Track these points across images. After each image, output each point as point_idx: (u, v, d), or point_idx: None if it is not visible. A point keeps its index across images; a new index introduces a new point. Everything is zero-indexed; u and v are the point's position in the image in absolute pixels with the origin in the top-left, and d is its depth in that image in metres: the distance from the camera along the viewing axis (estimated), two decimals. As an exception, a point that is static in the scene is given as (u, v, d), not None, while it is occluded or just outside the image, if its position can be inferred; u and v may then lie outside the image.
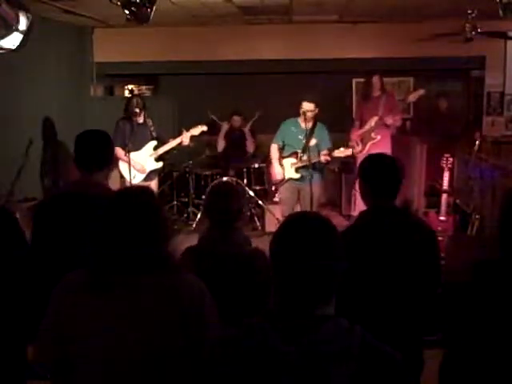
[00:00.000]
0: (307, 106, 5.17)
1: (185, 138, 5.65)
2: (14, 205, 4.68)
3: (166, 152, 5.75)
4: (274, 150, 5.48)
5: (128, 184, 5.39)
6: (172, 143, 5.67)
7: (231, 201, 2.48)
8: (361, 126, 6.16)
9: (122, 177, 5.67)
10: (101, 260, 1.66)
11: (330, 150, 5.25)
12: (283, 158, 5.43)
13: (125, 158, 5.44)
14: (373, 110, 6.05)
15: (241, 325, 1.36)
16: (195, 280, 1.78)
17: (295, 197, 5.39)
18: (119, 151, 5.52)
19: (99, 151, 2.70)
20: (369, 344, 1.29)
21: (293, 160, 5.36)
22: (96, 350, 1.63)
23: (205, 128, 5.80)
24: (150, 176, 5.71)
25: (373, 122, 6.00)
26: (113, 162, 2.87)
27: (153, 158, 5.67)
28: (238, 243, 2.47)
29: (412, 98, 6.03)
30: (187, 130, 5.72)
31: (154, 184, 5.75)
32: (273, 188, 5.99)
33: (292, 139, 5.33)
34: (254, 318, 1.35)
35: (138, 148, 5.59)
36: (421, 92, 5.93)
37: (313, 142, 5.25)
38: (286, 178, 5.39)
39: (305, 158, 5.18)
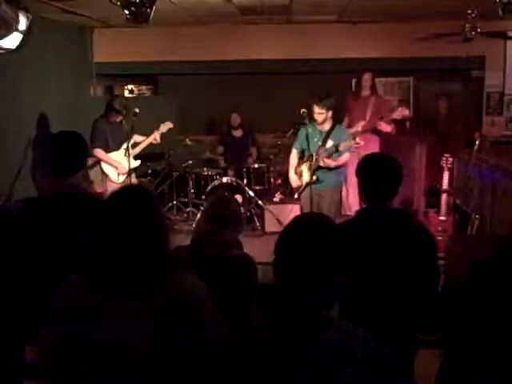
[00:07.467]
0: (315, 109, 4.96)
1: (156, 136, 5.86)
2: (13, 205, 4.67)
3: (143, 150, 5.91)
4: (293, 156, 5.29)
5: (110, 183, 5.63)
6: (145, 142, 5.87)
7: (230, 213, 2.56)
8: (348, 125, 6.08)
9: (103, 173, 5.73)
10: (101, 261, 1.66)
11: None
12: (303, 162, 5.19)
13: (107, 159, 5.63)
14: (361, 112, 5.98)
15: (242, 325, 1.36)
16: (196, 280, 1.78)
17: (314, 203, 5.04)
18: (100, 152, 5.58)
19: (74, 154, 2.61)
20: (371, 347, 1.29)
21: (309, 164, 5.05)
22: (97, 350, 1.63)
23: (171, 125, 5.97)
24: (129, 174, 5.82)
25: (359, 126, 5.90)
26: (86, 162, 2.78)
27: (131, 157, 5.75)
28: (228, 245, 2.48)
29: (396, 115, 5.96)
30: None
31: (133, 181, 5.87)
32: (295, 196, 5.55)
33: (309, 142, 5.03)
34: (255, 320, 1.35)
35: (118, 147, 5.73)
36: (406, 112, 5.90)
37: (329, 143, 5.02)
38: (304, 183, 5.15)
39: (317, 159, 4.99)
